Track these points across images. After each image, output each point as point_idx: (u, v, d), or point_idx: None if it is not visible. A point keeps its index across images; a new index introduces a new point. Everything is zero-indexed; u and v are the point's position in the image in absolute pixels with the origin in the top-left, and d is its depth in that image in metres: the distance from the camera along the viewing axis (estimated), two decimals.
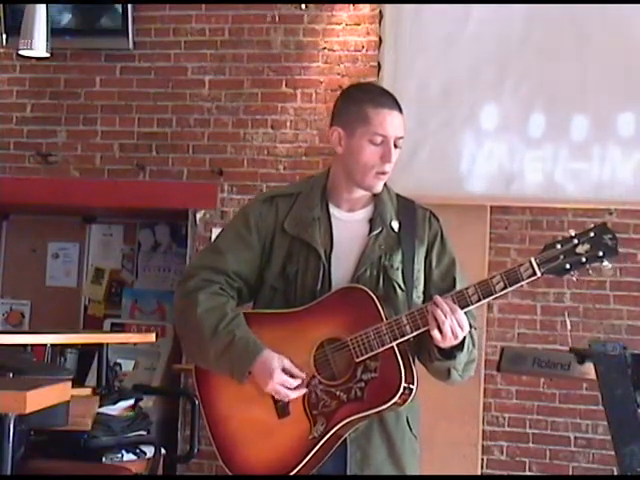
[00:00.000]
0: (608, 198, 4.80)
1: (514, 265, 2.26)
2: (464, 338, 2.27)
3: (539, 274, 2.22)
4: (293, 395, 2.29)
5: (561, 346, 4.70)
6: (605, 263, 2.21)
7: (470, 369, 2.39)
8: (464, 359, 2.33)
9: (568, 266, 2.21)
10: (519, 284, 2.25)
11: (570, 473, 4.84)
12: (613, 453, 3.36)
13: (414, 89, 4.95)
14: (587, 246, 2.21)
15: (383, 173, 2.38)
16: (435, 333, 2.22)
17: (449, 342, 2.24)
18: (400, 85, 4.81)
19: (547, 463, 4.89)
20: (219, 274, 2.40)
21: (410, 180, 4.44)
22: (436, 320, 2.22)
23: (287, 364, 2.29)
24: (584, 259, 2.21)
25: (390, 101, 2.39)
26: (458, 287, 2.40)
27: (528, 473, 4.90)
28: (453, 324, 2.22)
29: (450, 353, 2.29)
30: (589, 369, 3.50)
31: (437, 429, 4.62)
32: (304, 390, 2.29)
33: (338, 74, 5.20)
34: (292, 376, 2.28)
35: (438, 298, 2.25)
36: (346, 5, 5.21)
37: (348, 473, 2.35)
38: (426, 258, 2.44)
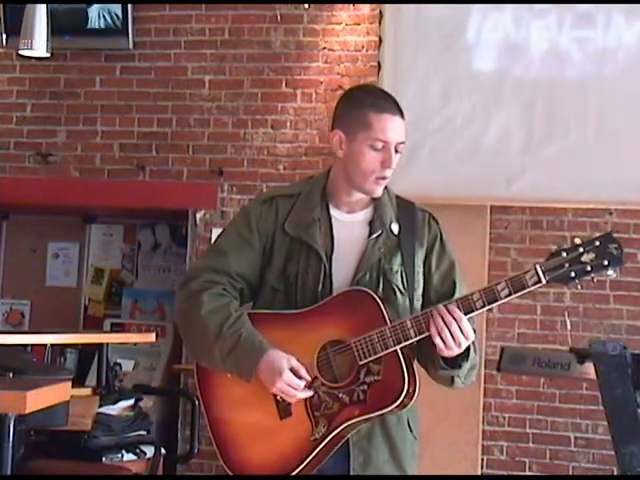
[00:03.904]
0: (608, 197, 4.80)
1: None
2: (468, 347, 2.26)
3: (544, 281, 2.21)
4: (301, 395, 2.27)
5: (561, 346, 4.70)
6: (610, 272, 2.21)
7: (472, 375, 2.38)
8: (467, 367, 2.32)
9: (573, 274, 2.21)
10: (524, 291, 2.24)
11: (570, 473, 4.84)
12: (613, 453, 3.36)
13: (414, 89, 4.95)
14: (592, 255, 2.20)
15: (383, 178, 2.37)
16: (438, 341, 2.20)
17: (452, 352, 2.23)
18: (400, 85, 4.81)
19: (547, 463, 4.89)
20: (222, 275, 2.39)
21: (409, 180, 4.44)
22: (438, 328, 2.20)
23: (295, 364, 2.27)
24: (589, 268, 2.20)
25: (392, 106, 2.36)
26: (458, 290, 2.40)
27: (528, 473, 4.90)
28: (456, 333, 2.20)
29: (455, 362, 2.28)
30: (589, 369, 3.50)
31: (437, 429, 4.62)
32: (311, 392, 2.28)
33: (338, 74, 5.20)
34: (299, 377, 2.27)
35: (441, 307, 2.23)
36: (346, 5, 5.20)
37: (351, 474, 2.35)
38: (425, 261, 2.43)
